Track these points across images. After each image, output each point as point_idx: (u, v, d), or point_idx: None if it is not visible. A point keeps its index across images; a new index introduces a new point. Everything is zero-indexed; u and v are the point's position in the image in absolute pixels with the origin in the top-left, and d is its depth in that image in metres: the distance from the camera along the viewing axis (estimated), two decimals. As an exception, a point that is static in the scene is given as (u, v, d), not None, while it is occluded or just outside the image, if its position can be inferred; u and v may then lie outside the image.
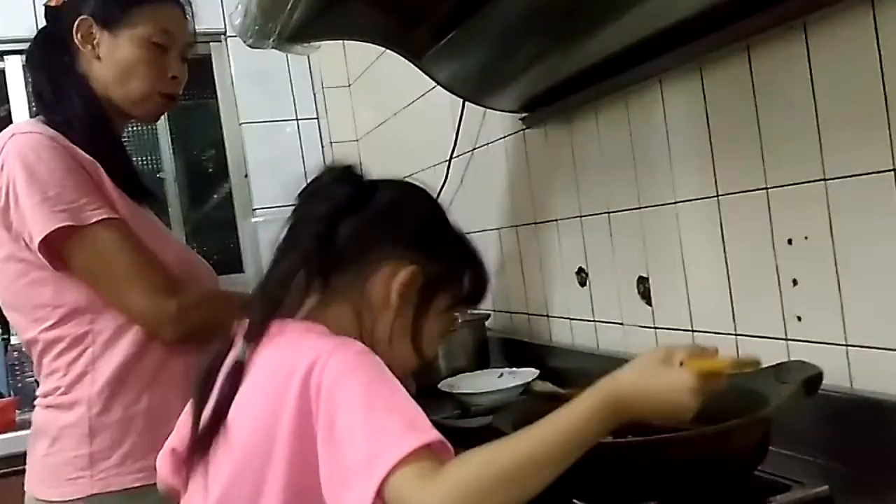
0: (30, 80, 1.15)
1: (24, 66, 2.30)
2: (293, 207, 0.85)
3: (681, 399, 0.66)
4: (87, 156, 1.05)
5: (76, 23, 1.09)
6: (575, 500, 0.81)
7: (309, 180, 0.86)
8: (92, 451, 1.02)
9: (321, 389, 0.68)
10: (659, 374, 0.67)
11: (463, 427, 0.98)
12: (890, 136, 0.80)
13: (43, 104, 1.11)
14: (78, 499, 1.02)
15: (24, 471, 1.10)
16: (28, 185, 1.00)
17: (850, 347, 0.89)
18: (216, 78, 2.54)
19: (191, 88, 2.86)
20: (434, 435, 0.65)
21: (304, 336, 0.76)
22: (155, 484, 0.92)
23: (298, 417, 0.69)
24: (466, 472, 0.63)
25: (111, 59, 1.10)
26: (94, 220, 1.00)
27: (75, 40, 1.10)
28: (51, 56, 1.11)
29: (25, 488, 1.08)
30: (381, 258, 0.80)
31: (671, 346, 0.70)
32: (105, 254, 1.02)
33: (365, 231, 0.81)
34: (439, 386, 1.40)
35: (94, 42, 1.10)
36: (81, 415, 1.03)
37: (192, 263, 1.17)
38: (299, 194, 0.86)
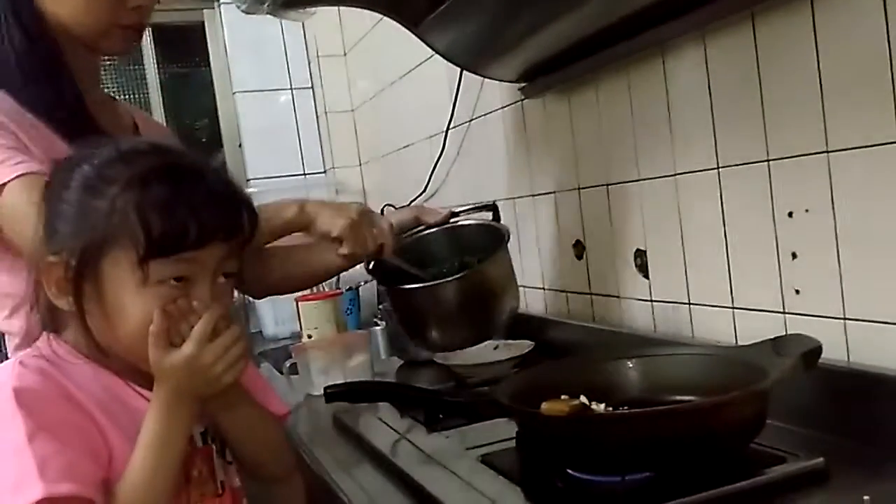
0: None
1: None
2: None
3: None
4: (17, 114, 0.92)
5: None
6: (570, 471, 0.80)
7: None
8: None
9: None
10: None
11: (460, 401, 0.98)
12: (895, 107, 0.79)
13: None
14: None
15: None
16: None
17: (848, 321, 0.88)
18: (209, 46, 2.50)
19: (183, 56, 2.84)
20: (45, 490, 0.65)
21: None
22: None
23: None
24: None
25: None
26: (9, 178, 0.87)
27: None
28: None
29: None
30: (38, 258, 0.74)
31: None
32: (14, 206, 0.86)
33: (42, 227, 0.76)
34: (434, 358, 1.40)
35: None
36: None
37: None
38: None
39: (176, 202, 0.72)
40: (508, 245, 1.22)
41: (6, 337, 1.00)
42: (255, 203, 0.82)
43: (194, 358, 0.73)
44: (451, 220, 1.24)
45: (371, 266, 1.14)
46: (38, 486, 0.65)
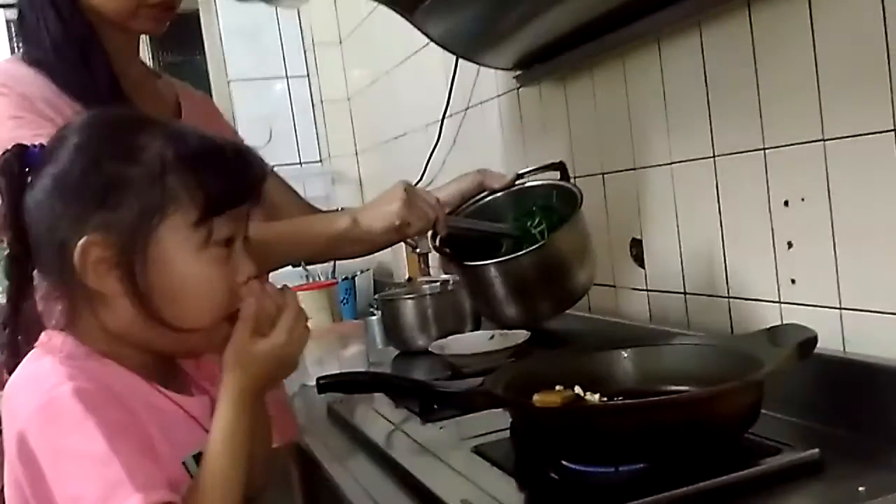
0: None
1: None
2: None
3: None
4: (53, 96, 0.92)
5: None
6: (565, 462, 0.80)
7: None
8: None
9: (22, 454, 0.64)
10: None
11: (453, 391, 0.98)
12: (891, 95, 0.78)
13: (22, 30, 0.98)
14: None
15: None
16: None
17: (843, 311, 0.88)
18: (204, 34, 2.48)
19: (178, 44, 2.82)
20: (145, 500, 0.60)
21: (13, 381, 0.69)
22: None
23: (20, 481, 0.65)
24: None
25: None
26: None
27: None
28: None
29: None
30: (66, 240, 0.68)
31: None
32: None
33: (37, 216, 0.70)
34: (430, 348, 1.40)
35: None
36: None
37: None
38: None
39: (218, 155, 0.70)
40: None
41: None
42: None
43: (286, 346, 0.72)
44: (517, 182, 1.17)
45: (438, 241, 1.07)
46: (135, 496, 0.60)
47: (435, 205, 1.02)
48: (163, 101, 1.07)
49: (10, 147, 0.72)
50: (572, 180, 1.34)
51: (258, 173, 0.74)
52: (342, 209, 1.15)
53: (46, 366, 0.68)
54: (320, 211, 1.22)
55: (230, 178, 0.70)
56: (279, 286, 0.75)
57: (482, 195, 1.17)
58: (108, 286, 0.69)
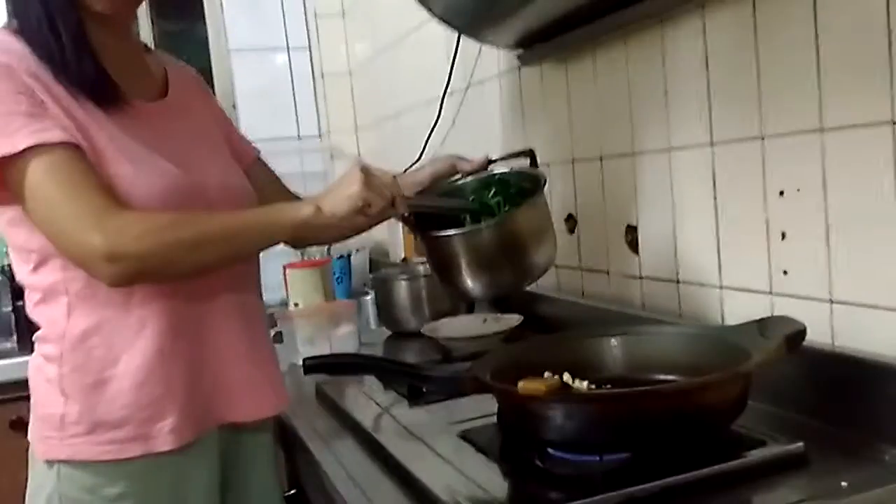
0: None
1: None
2: None
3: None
4: (40, 70, 0.91)
5: None
6: (550, 450, 0.80)
7: None
8: (63, 413, 0.93)
9: None
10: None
11: (440, 375, 0.97)
12: (892, 87, 0.77)
13: (11, 4, 0.96)
14: (47, 460, 0.94)
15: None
16: None
17: (834, 304, 0.87)
18: (205, 2, 2.45)
19: (178, 12, 2.78)
20: None
21: None
22: (128, 459, 0.89)
23: None
24: None
25: None
26: (23, 147, 0.87)
27: None
28: None
29: None
30: None
31: None
32: (31, 185, 0.88)
33: None
34: (422, 330, 1.39)
35: None
36: (56, 372, 0.94)
37: (198, 193, 0.97)
38: None
39: None
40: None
41: (27, 291, 0.99)
42: None
43: None
44: (488, 167, 1.19)
45: (406, 214, 1.07)
46: None
47: (391, 183, 1.00)
48: (150, 77, 1.06)
49: None
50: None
51: None
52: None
53: None
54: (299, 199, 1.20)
55: None
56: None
57: (457, 177, 1.19)
58: None
